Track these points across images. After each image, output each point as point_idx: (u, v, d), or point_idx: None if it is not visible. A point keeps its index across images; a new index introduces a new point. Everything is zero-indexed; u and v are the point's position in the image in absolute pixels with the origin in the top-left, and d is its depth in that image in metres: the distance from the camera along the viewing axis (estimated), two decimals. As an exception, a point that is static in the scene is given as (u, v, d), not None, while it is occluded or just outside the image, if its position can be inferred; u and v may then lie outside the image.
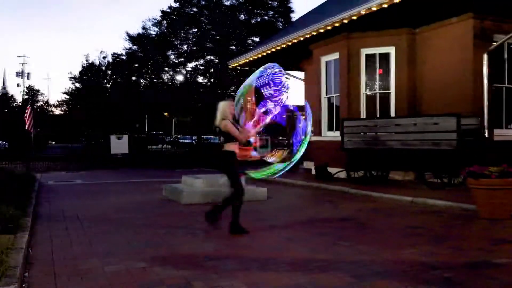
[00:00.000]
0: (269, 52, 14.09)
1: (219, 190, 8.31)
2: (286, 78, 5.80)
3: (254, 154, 5.74)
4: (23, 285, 3.61)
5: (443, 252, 4.52)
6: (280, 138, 17.85)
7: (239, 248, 4.79)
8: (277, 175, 5.59)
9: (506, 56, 10.50)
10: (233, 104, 5.57)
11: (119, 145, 17.82)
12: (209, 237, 5.31)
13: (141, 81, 34.85)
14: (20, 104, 51.88)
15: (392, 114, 11.34)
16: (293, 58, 15.12)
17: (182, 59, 32.13)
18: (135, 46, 33.32)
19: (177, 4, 31.08)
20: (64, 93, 44.68)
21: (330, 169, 11.73)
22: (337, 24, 10.80)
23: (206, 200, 8.13)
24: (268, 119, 5.70)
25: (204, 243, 5.04)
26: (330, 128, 12.72)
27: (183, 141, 37.15)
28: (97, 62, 38.78)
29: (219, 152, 5.49)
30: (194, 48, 31.50)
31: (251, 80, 5.61)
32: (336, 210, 7.30)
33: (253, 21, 31.73)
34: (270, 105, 5.63)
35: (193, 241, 5.14)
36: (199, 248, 4.82)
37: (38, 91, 67.40)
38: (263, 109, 5.68)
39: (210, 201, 8.10)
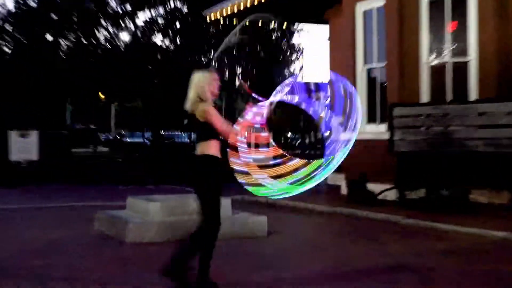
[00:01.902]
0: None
1: (188, 220, 8.26)
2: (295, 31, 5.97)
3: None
4: None
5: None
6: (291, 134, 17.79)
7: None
8: (291, 194, 5.67)
9: None
10: (216, 77, 5.48)
11: (24, 146, 17.72)
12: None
13: (62, 42, 34.81)
14: None
15: (473, 96, 11.34)
16: (311, 6, 15.09)
17: (129, 7, 32.17)
18: (52, -14, 33.40)
19: None
20: None
21: (370, 186, 11.70)
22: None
23: (165, 236, 8.08)
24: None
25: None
26: (371, 119, 12.72)
27: (129, 140, 37.36)
28: (-12, 12, 38.80)
29: (192, 157, 5.39)
30: (149, -12, 31.60)
31: None
32: (381, 253, 7.32)
33: None
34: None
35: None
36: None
37: None
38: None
39: (171, 238, 8.05)
